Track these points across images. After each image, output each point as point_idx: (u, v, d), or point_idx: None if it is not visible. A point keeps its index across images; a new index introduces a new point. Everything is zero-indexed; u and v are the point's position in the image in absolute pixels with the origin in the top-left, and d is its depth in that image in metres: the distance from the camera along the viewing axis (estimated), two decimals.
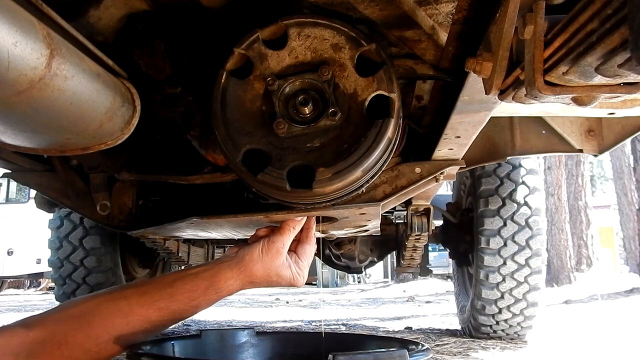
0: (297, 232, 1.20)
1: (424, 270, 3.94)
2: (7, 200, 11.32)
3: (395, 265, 4.02)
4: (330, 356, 0.82)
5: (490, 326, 3.00)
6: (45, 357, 0.93)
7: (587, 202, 11.34)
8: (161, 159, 1.53)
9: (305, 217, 1.22)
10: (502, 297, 2.84)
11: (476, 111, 1.17)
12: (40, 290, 13.95)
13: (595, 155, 2.04)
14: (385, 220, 3.00)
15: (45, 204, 2.33)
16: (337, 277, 14.48)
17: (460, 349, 2.85)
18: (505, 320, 2.94)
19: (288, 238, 1.17)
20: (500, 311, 2.89)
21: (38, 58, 0.72)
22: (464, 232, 3.13)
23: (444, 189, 5.49)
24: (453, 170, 1.56)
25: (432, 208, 2.51)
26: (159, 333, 1.08)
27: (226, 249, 3.42)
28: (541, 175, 3.11)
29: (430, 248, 4.57)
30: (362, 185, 1.13)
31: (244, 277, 1.11)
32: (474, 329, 3.13)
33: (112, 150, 1.12)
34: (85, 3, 1.09)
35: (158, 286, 1.06)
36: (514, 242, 2.79)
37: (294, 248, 1.21)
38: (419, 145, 1.52)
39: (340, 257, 3.50)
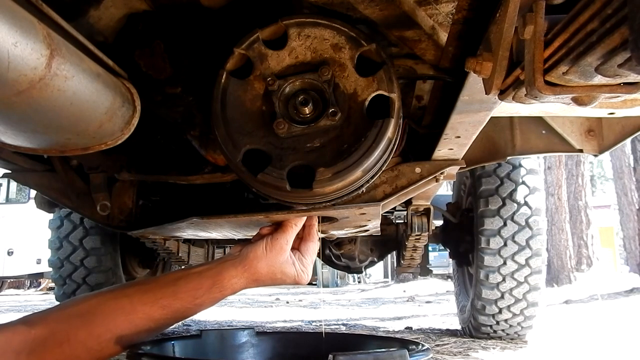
0: (299, 228, 1.21)
1: (424, 270, 3.94)
2: (7, 200, 11.32)
3: (395, 265, 4.02)
4: (330, 356, 0.82)
5: (491, 326, 3.00)
6: (46, 355, 0.92)
7: (587, 202, 11.34)
8: (161, 159, 1.53)
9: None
10: (502, 297, 2.84)
11: (476, 111, 1.17)
12: (41, 290, 13.95)
13: (595, 155, 2.04)
14: (385, 220, 3.00)
15: (45, 204, 2.33)
16: (337, 277, 14.49)
17: (461, 349, 2.85)
18: (506, 320, 2.94)
19: (291, 235, 1.17)
20: (500, 311, 2.89)
21: (38, 58, 0.72)
22: (464, 232, 3.13)
23: (444, 189, 5.49)
24: (453, 170, 1.56)
25: (432, 208, 2.51)
26: (161, 332, 1.07)
27: (226, 249, 3.42)
28: (541, 175, 3.11)
29: (430, 248, 4.57)
30: (362, 185, 1.13)
31: (248, 275, 1.10)
32: (474, 329, 3.13)
33: (112, 150, 1.12)
34: (85, 3, 1.08)
35: (161, 284, 1.06)
36: (514, 242, 2.79)
37: (297, 246, 1.21)
38: (419, 145, 1.52)
39: (340, 257, 3.50)
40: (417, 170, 1.46)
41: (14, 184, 11.31)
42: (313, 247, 1.23)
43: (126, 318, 0.99)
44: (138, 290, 1.04)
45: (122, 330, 0.98)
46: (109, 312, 0.99)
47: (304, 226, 1.23)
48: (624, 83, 0.65)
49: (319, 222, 1.30)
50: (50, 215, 3.03)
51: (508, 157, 2.14)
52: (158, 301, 1.02)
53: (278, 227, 1.19)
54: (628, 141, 2.74)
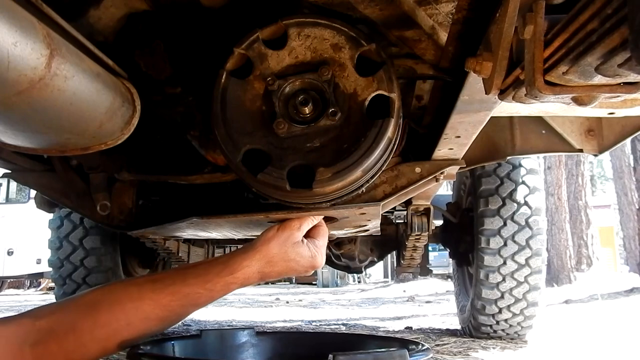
0: (314, 223, 1.21)
1: (424, 270, 3.93)
2: (7, 200, 11.32)
3: (395, 265, 4.03)
4: (330, 356, 0.82)
5: (491, 326, 3.00)
6: (51, 345, 0.90)
7: (587, 202, 11.34)
8: (161, 159, 1.53)
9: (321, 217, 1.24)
10: (502, 296, 2.84)
11: (476, 111, 1.17)
12: (40, 290, 13.94)
13: (595, 155, 2.04)
14: (385, 220, 3.00)
15: (45, 204, 2.33)
16: (337, 277, 14.48)
17: (460, 349, 2.85)
18: (506, 320, 2.93)
19: (305, 222, 1.17)
20: (500, 311, 2.89)
21: (38, 58, 0.72)
22: (464, 232, 3.13)
23: (444, 189, 5.49)
24: (453, 170, 1.56)
25: (432, 208, 2.51)
26: (171, 323, 1.04)
27: (226, 249, 3.41)
28: (541, 175, 3.11)
29: (430, 248, 4.56)
30: (362, 185, 1.13)
31: (260, 256, 1.08)
32: (474, 329, 3.13)
33: (112, 150, 1.12)
34: (85, 3, 1.09)
35: (171, 273, 1.06)
36: (514, 241, 2.79)
37: (307, 234, 1.21)
38: (419, 145, 1.52)
39: (340, 257, 3.49)
40: (417, 170, 1.46)
41: (14, 184, 11.31)
42: (322, 229, 1.23)
43: (134, 305, 0.97)
44: (147, 279, 1.04)
45: (129, 317, 0.96)
46: (116, 299, 0.97)
47: None
48: (624, 83, 0.65)
49: None
50: (50, 215, 3.02)
51: (508, 157, 2.14)
52: (167, 287, 1.00)
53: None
54: (628, 141, 2.74)
